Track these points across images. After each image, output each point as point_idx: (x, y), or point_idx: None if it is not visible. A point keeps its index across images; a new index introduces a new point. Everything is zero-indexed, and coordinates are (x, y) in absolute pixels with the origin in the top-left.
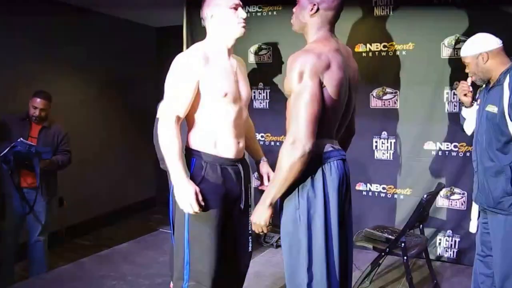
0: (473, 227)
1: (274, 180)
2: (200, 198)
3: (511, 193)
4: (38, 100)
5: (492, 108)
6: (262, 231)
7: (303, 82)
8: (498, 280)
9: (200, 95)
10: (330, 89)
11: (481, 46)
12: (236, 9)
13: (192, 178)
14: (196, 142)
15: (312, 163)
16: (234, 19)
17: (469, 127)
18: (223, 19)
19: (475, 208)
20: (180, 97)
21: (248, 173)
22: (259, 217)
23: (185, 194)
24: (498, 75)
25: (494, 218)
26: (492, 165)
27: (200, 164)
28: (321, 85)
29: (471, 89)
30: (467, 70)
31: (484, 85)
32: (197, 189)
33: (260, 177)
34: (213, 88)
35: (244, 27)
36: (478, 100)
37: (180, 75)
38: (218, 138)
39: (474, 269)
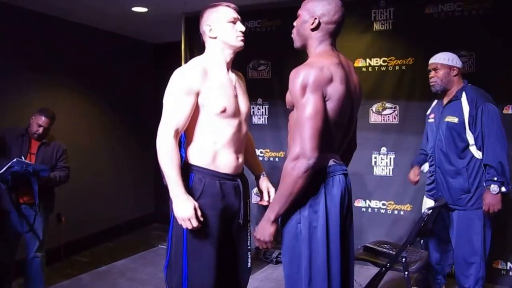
0: None
1: (278, 196)
2: (199, 213)
3: (468, 191)
4: (44, 118)
5: (453, 119)
6: (266, 247)
7: (306, 96)
8: (456, 265)
9: (198, 110)
10: (332, 103)
11: (455, 61)
12: (234, 23)
13: (191, 193)
14: (195, 157)
15: (314, 178)
16: (233, 32)
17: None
18: (221, 33)
19: (428, 205)
20: (179, 111)
21: (247, 188)
22: (263, 233)
23: (184, 209)
24: (455, 90)
25: (452, 213)
26: (451, 168)
27: (198, 179)
28: (323, 99)
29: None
30: (432, 75)
31: (436, 101)
32: (196, 204)
33: (260, 192)
34: (212, 102)
35: (242, 40)
36: (432, 115)
37: (179, 89)
38: (217, 153)
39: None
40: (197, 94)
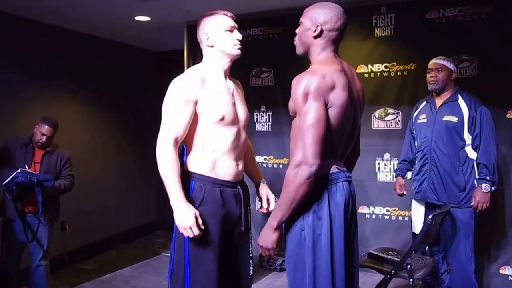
0: (418, 228)
1: (280, 203)
2: (200, 221)
3: (464, 189)
4: (47, 127)
5: (452, 118)
6: (269, 254)
7: (308, 103)
8: (449, 260)
9: (197, 118)
10: (335, 110)
11: (454, 67)
12: (231, 31)
13: (191, 201)
14: (195, 165)
15: (318, 185)
16: (230, 41)
17: None
18: (218, 41)
19: (419, 209)
20: (177, 120)
21: (247, 195)
22: (266, 240)
23: (185, 218)
24: (450, 93)
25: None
26: (450, 166)
27: (199, 187)
28: (326, 106)
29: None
30: (434, 74)
31: (424, 102)
32: (197, 212)
33: (260, 200)
34: (210, 110)
35: (240, 49)
36: (423, 115)
37: (177, 98)
38: (216, 161)
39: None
40: (195, 103)
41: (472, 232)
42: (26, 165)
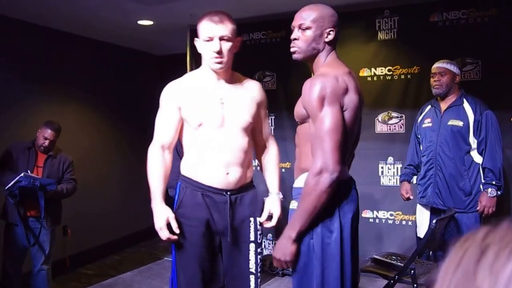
0: (423, 232)
1: (300, 212)
2: (174, 225)
3: (470, 193)
4: (49, 131)
5: (457, 122)
6: (287, 267)
7: (325, 108)
8: None
9: (183, 123)
10: (349, 113)
11: (457, 70)
12: (209, 41)
13: (177, 202)
14: (183, 167)
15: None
16: (208, 53)
17: None
18: (201, 51)
19: (424, 214)
20: (161, 125)
21: (252, 204)
22: (284, 252)
23: (157, 219)
24: (455, 96)
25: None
26: (456, 171)
27: (182, 189)
28: (342, 110)
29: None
30: (438, 78)
31: (429, 106)
32: (171, 216)
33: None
34: (190, 117)
35: (218, 62)
36: (428, 119)
37: (162, 103)
38: (202, 165)
39: None
40: (179, 109)
41: None
42: (28, 170)
